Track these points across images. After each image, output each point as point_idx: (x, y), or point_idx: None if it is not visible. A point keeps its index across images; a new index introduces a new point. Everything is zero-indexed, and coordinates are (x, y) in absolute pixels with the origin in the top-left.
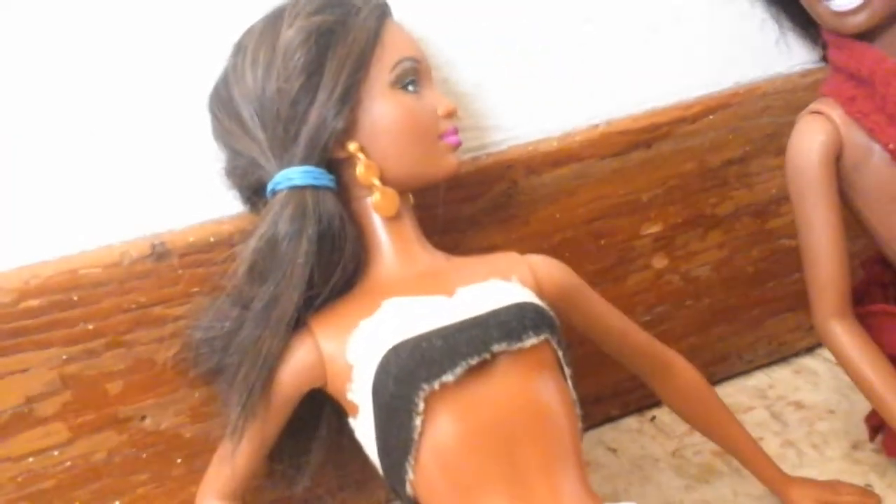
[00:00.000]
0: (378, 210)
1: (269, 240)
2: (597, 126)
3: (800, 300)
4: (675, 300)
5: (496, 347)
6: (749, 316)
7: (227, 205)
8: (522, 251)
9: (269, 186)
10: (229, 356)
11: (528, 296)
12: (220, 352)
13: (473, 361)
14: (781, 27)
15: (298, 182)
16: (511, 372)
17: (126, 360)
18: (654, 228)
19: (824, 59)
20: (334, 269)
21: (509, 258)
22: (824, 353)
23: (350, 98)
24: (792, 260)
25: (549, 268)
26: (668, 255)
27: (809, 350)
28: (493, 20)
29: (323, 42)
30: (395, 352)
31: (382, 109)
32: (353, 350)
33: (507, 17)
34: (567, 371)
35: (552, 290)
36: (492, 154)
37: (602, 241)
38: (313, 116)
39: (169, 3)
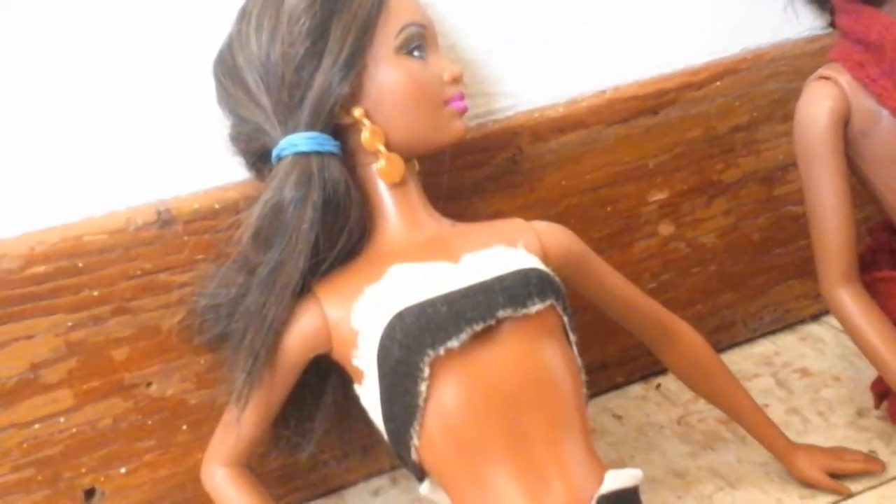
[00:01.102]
0: (383, 176)
1: (274, 206)
2: (603, 92)
3: (806, 267)
4: (681, 267)
5: (501, 313)
6: (755, 283)
7: (232, 171)
8: (528, 218)
9: (274, 152)
10: (235, 322)
11: (533, 262)
12: (226, 318)
13: (478, 327)
14: None
15: (303, 148)
16: (516, 338)
17: (132, 326)
18: (661, 195)
19: (832, 24)
20: (339, 234)
21: (515, 224)
22: (830, 320)
23: (355, 63)
24: (798, 227)
25: (554, 234)
26: (675, 222)
27: (815, 317)
28: None
29: (328, 7)
30: (401, 318)
31: (388, 75)
32: (359, 316)
33: None
34: (572, 337)
35: (558, 256)
36: (498, 120)
37: (608, 208)
38: (318, 82)
39: None
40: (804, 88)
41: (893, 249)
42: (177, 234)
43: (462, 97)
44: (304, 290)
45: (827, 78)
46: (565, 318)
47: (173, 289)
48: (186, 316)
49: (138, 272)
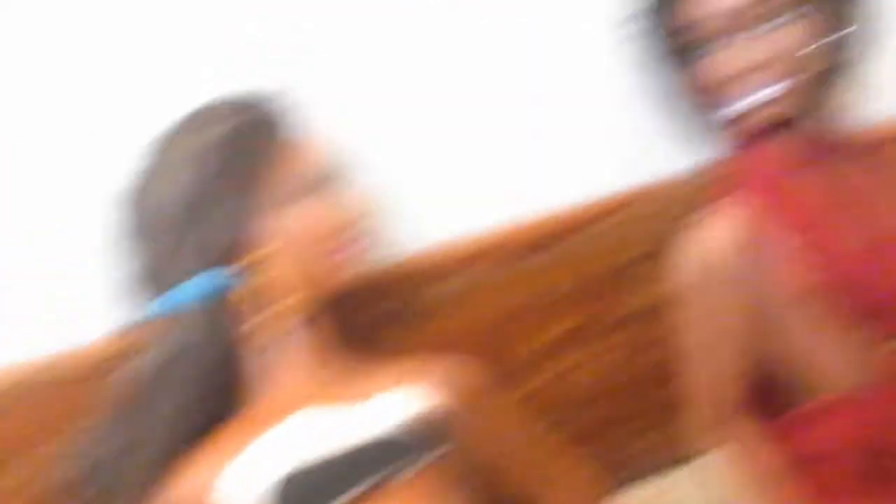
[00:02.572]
0: (283, 319)
1: (162, 357)
2: (505, 227)
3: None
4: (578, 404)
5: (396, 467)
6: (648, 419)
7: (119, 321)
8: (429, 356)
9: (168, 297)
10: (111, 481)
11: (439, 402)
12: (102, 477)
13: (374, 481)
14: (684, 126)
15: (200, 292)
16: (414, 488)
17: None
18: (557, 331)
19: (726, 157)
20: (234, 383)
21: (421, 363)
22: (720, 455)
23: (258, 205)
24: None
25: (460, 372)
26: (571, 358)
27: (704, 453)
28: (401, 126)
29: (233, 149)
30: (289, 481)
31: (291, 217)
32: (243, 476)
33: (416, 123)
34: (468, 485)
35: (463, 394)
36: (401, 257)
37: (507, 345)
38: (219, 223)
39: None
40: (701, 221)
41: (777, 385)
42: (48, 394)
43: (364, 237)
44: (191, 446)
45: (725, 210)
46: (461, 466)
47: (49, 448)
48: (61, 476)
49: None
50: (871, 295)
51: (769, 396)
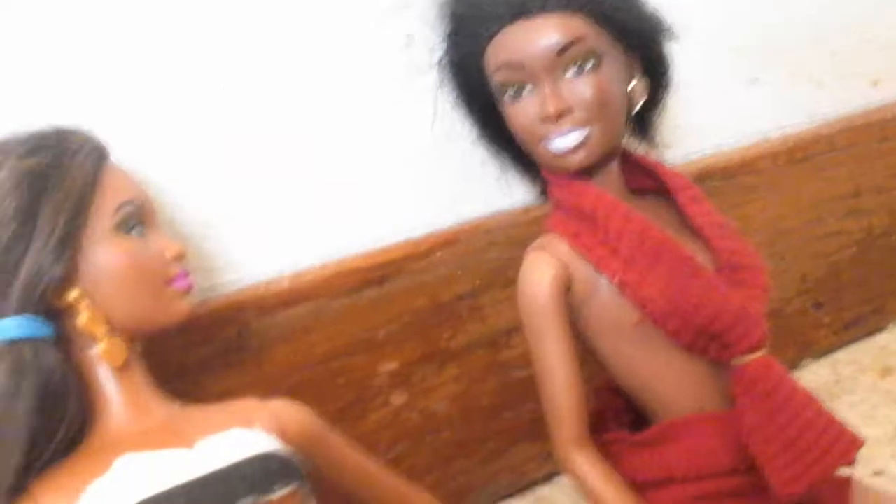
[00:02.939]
0: (105, 360)
1: None
2: (328, 264)
3: (535, 429)
4: (415, 436)
5: (243, 503)
6: (488, 448)
7: None
8: (258, 394)
9: None
10: None
11: (272, 444)
12: None
13: None
14: (502, 165)
15: (14, 335)
16: None
17: None
18: (391, 365)
19: (544, 194)
20: (58, 427)
21: (250, 405)
22: (562, 480)
23: (69, 244)
24: (526, 389)
25: (290, 412)
26: (406, 391)
27: (548, 478)
28: (217, 159)
29: (37, 186)
30: None
31: (105, 255)
32: None
33: (233, 156)
34: None
35: (296, 435)
36: (222, 295)
37: (339, 381)
38: (29, 264)
39: None
40: (525, 258)
41: (619, 410)
42: None
43: (186, 275)
44: (19, 490)
45: (546, 248)
46: (310, 502)
47: None
48: None
49: None
50: (688, 327)
51: (623, 418)
